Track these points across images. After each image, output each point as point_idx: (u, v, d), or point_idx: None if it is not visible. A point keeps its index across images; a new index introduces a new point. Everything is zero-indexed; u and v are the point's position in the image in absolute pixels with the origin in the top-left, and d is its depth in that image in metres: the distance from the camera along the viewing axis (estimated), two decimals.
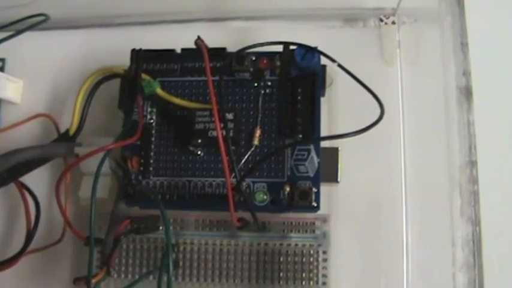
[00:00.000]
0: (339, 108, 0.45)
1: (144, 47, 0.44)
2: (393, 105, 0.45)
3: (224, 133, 0.39)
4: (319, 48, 0.41)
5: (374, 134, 0.36)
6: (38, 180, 0.46)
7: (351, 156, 0.42)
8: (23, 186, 0.44)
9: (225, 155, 0.38)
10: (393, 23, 0.47)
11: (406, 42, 0.46)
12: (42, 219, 0.44)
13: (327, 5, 0.48)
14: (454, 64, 0.35)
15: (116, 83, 0.44)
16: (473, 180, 0.33)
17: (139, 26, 0.50)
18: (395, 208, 0.43)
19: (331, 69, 0.42)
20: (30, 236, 0.44)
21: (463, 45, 0.35)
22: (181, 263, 0.42)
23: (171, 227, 0.41)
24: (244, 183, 0.40)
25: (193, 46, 0.42)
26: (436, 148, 0.41)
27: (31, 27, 0.44)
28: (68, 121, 0.45)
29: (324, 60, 0.41)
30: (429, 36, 0.44)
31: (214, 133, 0.40)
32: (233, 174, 0.39)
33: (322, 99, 0.42)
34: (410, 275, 0.42)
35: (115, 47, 0.48)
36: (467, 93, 0.34)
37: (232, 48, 0.43)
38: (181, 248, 0.42)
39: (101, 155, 0.39)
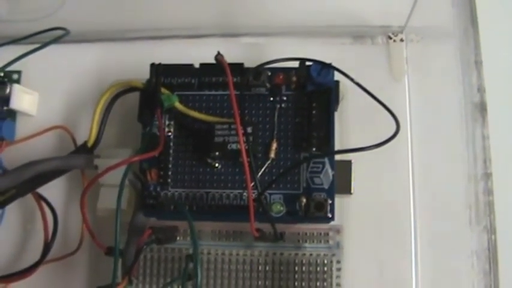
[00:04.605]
0: (350, 122, 0.46)
1: (158, 61, 0.44)
2: (401, 119, 0.46)
3: (246, 146, 0.40)
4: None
5: (384, 147, 0.38)
6: (54, 191, 0.46)
7: (362, 168, 0.44)
8: (40, 197, 0.45)
9: (247, 167, 0.39)
10: (401, 40, 0.49)
11: (413, 59, 0.48)
12: (59, 229, 0.45)
13: (336, 22, 0.49)
14: (467, 81, 0.36)
15: (131, 96, 0.45)
16: (489, 191, 0.35)
17: (153, 40, 0.51)
18: (406, 218, 0.44)
19: (343, 84, 0.44)
20: (47, 246, 0.44)
21: (477, 63, 0.36)
22: None
23: (195, 237, 0.42)
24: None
25: (208, 61, 0.43)
26: (444, 160, 0.42)
27: (54, 41, 0.44)
28: (83, 133, 0.46)
29: (337, 76, 0.42)
30: (436, 53, 0.45)
31: (234, 146, 0.41)
32: (253, 185, 0.40)
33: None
34: (422, 285, 0.43)
35: (129, 61, 0.49)
36: (481, 108, 0.36)
37: (244, 62, 0.44)
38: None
39: (121, 167, 0.40)
